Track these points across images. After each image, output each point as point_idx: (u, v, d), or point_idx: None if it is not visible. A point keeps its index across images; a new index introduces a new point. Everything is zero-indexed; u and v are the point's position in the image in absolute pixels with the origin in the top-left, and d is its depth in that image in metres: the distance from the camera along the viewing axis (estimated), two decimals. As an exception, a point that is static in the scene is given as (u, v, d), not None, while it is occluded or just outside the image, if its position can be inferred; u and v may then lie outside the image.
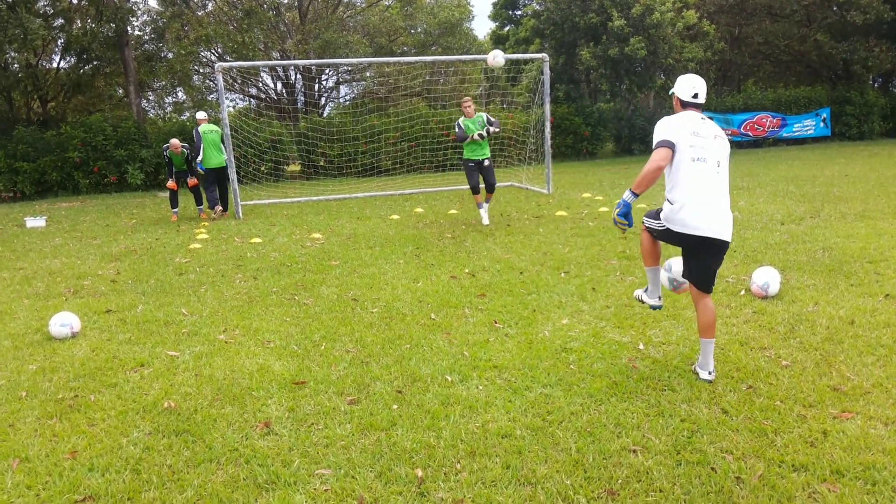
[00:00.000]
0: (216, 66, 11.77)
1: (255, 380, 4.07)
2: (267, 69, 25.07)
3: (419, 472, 2.96)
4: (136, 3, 21.06)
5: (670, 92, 3.86)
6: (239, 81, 25.19)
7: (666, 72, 21.89)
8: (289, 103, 23.69)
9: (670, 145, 3.62)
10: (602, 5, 20.45)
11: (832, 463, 2.90)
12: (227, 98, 14.63)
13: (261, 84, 26.85)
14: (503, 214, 10.25)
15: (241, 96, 27.02)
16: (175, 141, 11.27)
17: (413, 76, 22.50)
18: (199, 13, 22.43)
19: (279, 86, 26.52)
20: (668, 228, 3.72)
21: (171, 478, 3.01)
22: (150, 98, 26.08)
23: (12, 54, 18.43)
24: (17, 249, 9.27)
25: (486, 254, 7.45)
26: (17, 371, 4.40)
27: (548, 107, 13.17)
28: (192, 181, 11.61)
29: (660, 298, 4.14)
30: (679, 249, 3.87)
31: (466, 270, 6.69)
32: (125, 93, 21.65)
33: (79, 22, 19.85)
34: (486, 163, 9.55)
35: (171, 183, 11.56)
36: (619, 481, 2.84)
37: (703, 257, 3.70)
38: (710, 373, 3.78)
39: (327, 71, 25.38)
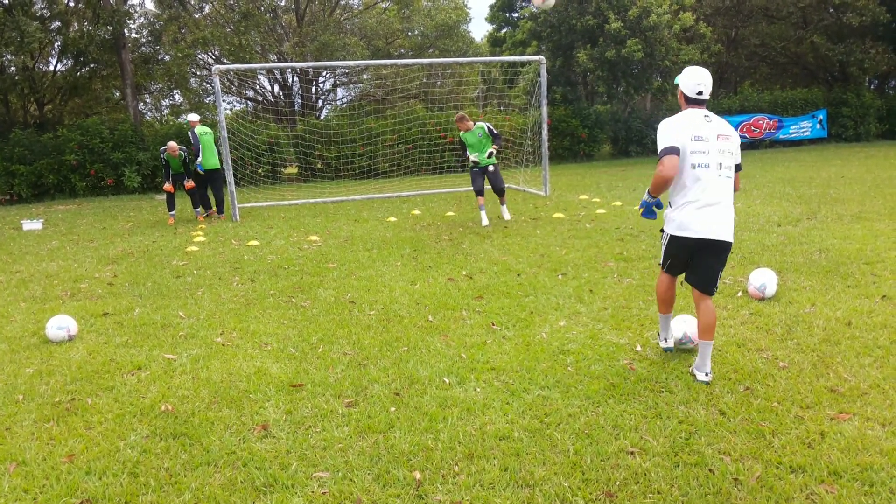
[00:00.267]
0: (213, 68, 11.77)
1: (252, 383, 4.06)
2: (264, 72, 25.08)
3: (417, 475, 2.95)
4: (132, 5, 21.06)
5: (675, 81, 3.80)
6: (236, 84, 25.19)
7: (663, 74, 21.95)
8: (286, 106, 23.71)
9: (677, 151, 3.58)
10: (599, 7, 20.50)
11: (830, 464, 2.90)
12: (224, 101, 14.62)
13: (258, 86, 26.86)
14: (500, 216, 10.26)
15: (239, 99, 27.00)
16: (172, 144, 11.27)
17: (410, 78, 22.53)
18: (196, 16, 22.43)
19: (276, 88, 26.52)
20: (671, 239, 3.72)
21: (169, 481, 3.00)
22: (147, 101, 26.04)
23: (9, 57, 18.39)
24: (14, 252, 9.25)
25: (484, 256, 7.45)
26: (14, 374, 4.39)
27: (545, 109, 13.19)
28: (188, 184, 11.60)
29: (666, 340, 4.21)
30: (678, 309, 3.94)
31: (464, 272, 6.69)
32: (122, 95, 21.63)
33: (75, 25, 19.83)
34: (492, 168, 9.66)
35: (167, 186, 11.56)
36: (617, 483, 2.84)
37: (704, 257, 3.73)
38: (706, 374, 3.79)
39: (324, 73, 25.40)
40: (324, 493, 2.85)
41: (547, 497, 2.77)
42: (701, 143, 3.58)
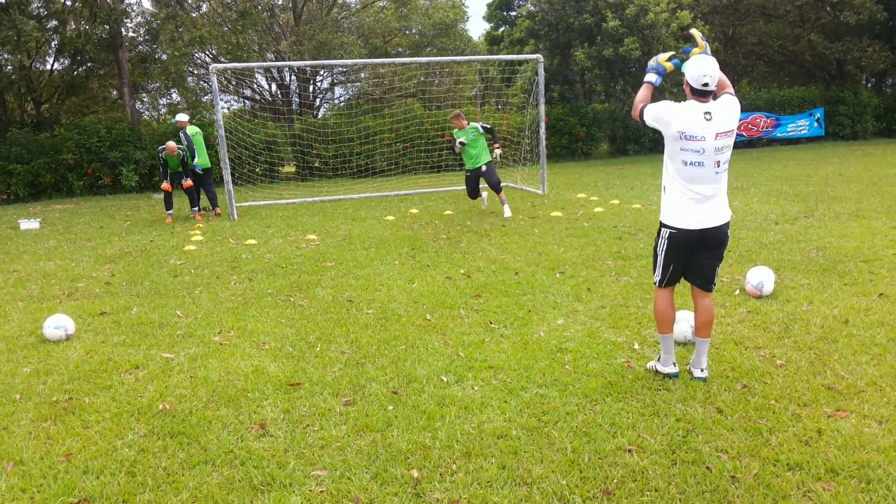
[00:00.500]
0: (211, 67, 11.76)
1: (250, 381, 4.06)
2: (261, 71, 25.02)
3: (415, 473, 2.96)
4: (129, 4, 21.00)
5: (682, 69, 3.60)
6: (233, 83, 25.14)
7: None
8: (283, 104, 23.66)
9: (653, 113, 3.60)
10: (596, 6, 20.50)
11: (827, 462, 2.91)
12: (221, 99, 14.61)
13: (255, 85, 26.80)
14: (498, 215, 10.26)
15: (236, 98, 26.94)
16: (171, 143, 11.26)
17: (408, 77, 22.50)
18: (194, 14, 22.38)
19: (274, 87, 26.46)
20: (669, 235, 3.65)
21: (167, 480, 3.00)
22: (145, 100, 25.97)
23: (6, 56, 18.34)
24: (11, 252, 9.23)
25: (482, 254, 7.45)
26: (12, 374, 4.38)
27: (542, 107, 13.19)
28: (186, 183, 11.60)
29: (674, 365, 3.85)
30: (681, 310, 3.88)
31: (462, 271, 6.69)
32: (119, 94, 21.57)
33: (72, 23, 19.77)
34: (484, 168, 10.11)
35: (165, 185, 11.56)
36: (615, 481, 2.85)
37: (701, 254, 3.68)
38: (702, 370, 3.79)
39: (322, 72, 25.35)
40: (321, 492, 2.86)
41: (545, 495, 2.77)
42: (695, 142, 3.45)
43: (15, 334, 5.25)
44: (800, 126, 23.44)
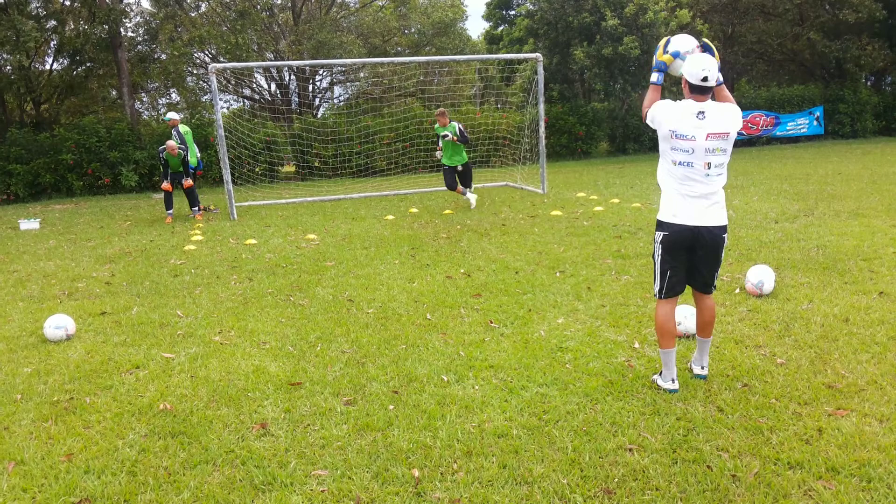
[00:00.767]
0: (210, 67, 11.76)
1: (250, 381, 4.06)
2: (261, 70, 25.01)
3: (416, 473, 2.96)
4: (128, 4, 20.99)
5: (679, 72, 3.60)
6: (233, 82, 25.13)
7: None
8: (283, 104, 23.65)
9: (652, 116, 3.59)
10: (595, 5, 20.48)
11: (827, 460, 2.91)
12: (220, 99, 14.61)
13: (255, 85, 26.79)
14: (498, 214, 10.26)
15: (235, 97, 26.93)
16: (171, 143, 11.26)
17: (407, 76, 22.49)
18: (193, 14, 22.37)
19: (273, 87, 26.45)
20: (665, 236, 3.59)
21: (168, 480, 3.00)
22: (144, 99, 25.95)
23: (5, 56, 18.32)
24: (11, 252, 9.23)
25: (482, 254, 7.45)
26: (12, 374, 4.38)
27: (542, 106, 13.19)
28: (187, 183, 11.61)
29: (674, 381, 3.72)
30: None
31: (462, 270, 6.69)
32: (119, 94, 21.55)
33: (71, 24, 19.75)
34: (460, 168, 10.99)
35: (166, 184, 11.57)
36: (616, 480, 2.85)
37: (700, 257, 3.61)
38: (702, 367, 3.80)
39: (321, 72, 25.33)
40: (322, 491, 2.86)
41: (545, 494, 2.77)
42: (685, 141, 3.42)
43: (15, 334, 5.25)
44: (799, 125, 23.44)
